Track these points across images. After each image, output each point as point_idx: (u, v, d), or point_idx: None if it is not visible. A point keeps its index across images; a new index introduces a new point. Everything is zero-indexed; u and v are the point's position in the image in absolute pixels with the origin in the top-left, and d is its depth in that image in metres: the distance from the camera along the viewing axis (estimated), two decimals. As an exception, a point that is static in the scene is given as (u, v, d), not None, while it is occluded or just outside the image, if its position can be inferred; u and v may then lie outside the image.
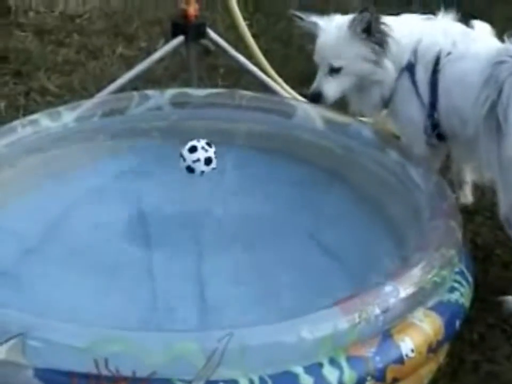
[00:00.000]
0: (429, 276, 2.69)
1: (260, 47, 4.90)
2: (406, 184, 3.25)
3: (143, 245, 3.16)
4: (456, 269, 2.85)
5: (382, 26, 3.10)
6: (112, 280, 2.94)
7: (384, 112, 3.87)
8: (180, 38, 4.06)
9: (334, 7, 5.41)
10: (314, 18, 3.23)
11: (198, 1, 4.14)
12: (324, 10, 5.24)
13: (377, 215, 3.29)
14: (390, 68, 3.11)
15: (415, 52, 3.08)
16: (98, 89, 4.29)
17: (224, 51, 4.23)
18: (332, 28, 3.18)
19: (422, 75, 3.08)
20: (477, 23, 3.16)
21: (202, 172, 3.32)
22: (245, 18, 5.38)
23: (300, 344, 2.42)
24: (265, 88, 4.25)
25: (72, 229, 3.22)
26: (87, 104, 3.69)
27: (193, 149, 3.33)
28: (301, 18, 3.25)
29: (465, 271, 2.89)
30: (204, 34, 4.10)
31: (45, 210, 3.26)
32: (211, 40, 4.15)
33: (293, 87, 4.43)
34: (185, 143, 3.42)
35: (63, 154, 3.54)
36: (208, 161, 3.34)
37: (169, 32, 4.25)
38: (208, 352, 2.33)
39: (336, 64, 3.07)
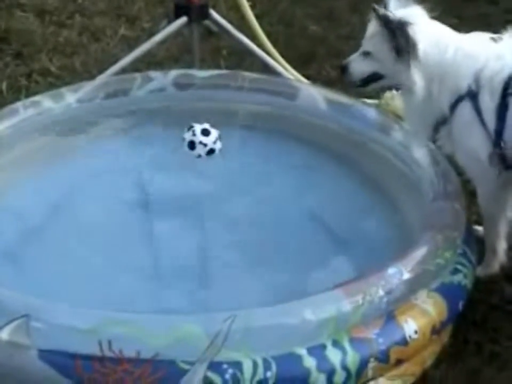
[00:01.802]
0: (433, 258, 2.70)
1: (263, 28, 4.87)
2: (409, 166, 3.25)
3: (146, 227, 3.16)
4: (459, 251, 2.85)
5: (409, 33, 2.94)
6: (116, 260, 2.95)
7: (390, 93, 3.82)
8: (183, 19, 4.04)
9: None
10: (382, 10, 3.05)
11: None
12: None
13: (381, 196, 3.29)
14: (415, 77, 2.97)
15: (477, 79, 2.91)
16: (100, 71, 4.26)
17: (227, 32, 4.20)
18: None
19: (488, 101, 2.90)
20: None
21: (220, 150, 3.35)
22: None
23: (303, 325, 2.43)
24: (268, 70, 4.22)
25: (75, 210, 3.21)
26: (89, 86, 3.68)
27: (206, 132, 3.35)
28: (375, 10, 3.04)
29: (468, 252, 2.88)
30: (206, 15, 4.07)
31: (48, 192, 3.26)
32: (214, 21, 4.13)
33: (296, 68, 4.41)
34: (188, 124, 3.43)
35: (65, 135, 3.55)
36: (220, 137, 3.38)
37: (172, 13, 4.23)
38: (211, 334, 2.34)
39: (366, 48, 3.11)
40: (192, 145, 3.36)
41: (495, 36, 3.00)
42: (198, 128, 3.37)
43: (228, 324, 2.35)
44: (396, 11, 3.01)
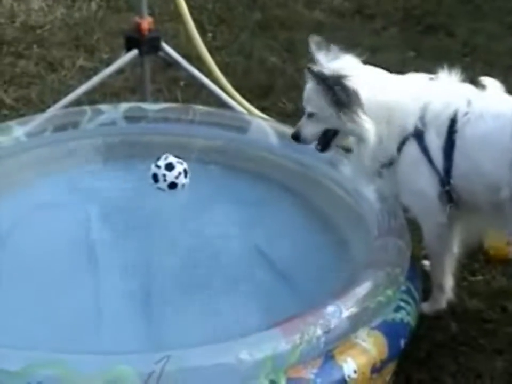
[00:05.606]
0: (373, 295, 2.67)
1: (222, 60, 4.89)
2: (357, 201, 3.24)
3: (90, 265, 3.11)
4: (403, 288, 2.83)
5: (347, 85, 2.87)
6: (56, 299, 2.90)
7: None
8: (134, 52, 4.02)
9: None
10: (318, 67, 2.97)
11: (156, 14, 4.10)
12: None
13: (328, 231, 3.27)
14: (365, 124, 2.91)
15: (422, 118, 2.91)
16: (56, 102, 4.23)
17: (179, 65, 4.19)
18: None
19: (434, 140, 2.89)
20: (487, 80, 2.96)
21: (183, 185, 3.36)
22: (209, 31, 5.39)
23: (239, 366, 2.40)
24: (224, 102, 4.21)
25: (18, 245, 3.17)
26: (38, 119, 3.65)
27: (170, 166, 3.36)
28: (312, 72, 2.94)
29: (412, 289, 2.87)
30: (158, 48, 4.06)
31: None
32: (166, 53, 4.11)
33: (252, 100, 4.41)
34: (140, 158, 3.42)
35: (12, 169, 3.50)
36: (186, 172, 3.39)
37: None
38: (144, 375, 2.30)
39: (308, 109, 3.04)
40: (155, 177, 3.36)
41: (432, 76, 2.99)
42: (163, 161, 3.38)
43: (161, 364, 2.31)
44: (328, 64, 2.95)
